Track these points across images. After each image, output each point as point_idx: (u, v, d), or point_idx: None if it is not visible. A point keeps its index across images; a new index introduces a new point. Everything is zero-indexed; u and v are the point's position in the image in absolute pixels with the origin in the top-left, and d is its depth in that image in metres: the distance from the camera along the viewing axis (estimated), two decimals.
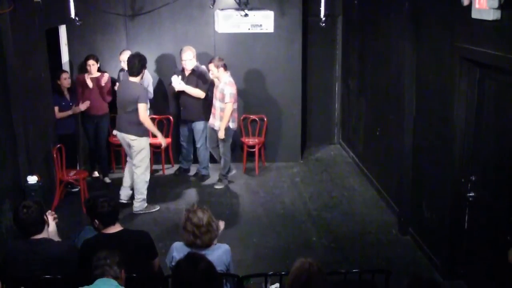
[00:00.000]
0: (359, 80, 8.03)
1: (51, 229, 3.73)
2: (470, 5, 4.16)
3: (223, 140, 7.08)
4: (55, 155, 6.43)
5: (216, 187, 7.34)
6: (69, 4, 6.75)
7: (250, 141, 7.99)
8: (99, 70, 7.32)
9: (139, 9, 7.65)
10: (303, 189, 7.36)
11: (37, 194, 5.46)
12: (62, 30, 7.53)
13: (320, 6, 6.93)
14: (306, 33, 8.49)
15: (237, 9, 7.39)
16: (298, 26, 7.88)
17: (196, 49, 7.73)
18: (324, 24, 7.00)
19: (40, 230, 3.54)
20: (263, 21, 7.47)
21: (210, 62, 6.97)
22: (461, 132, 4.71)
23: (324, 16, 6.94)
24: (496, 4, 3.77)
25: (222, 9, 7.46)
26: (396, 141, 6.18)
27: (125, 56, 6.99)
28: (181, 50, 7.21)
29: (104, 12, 7.56)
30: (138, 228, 5.29)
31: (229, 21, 7.41)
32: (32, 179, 5.57)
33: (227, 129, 7.01)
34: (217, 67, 6.89)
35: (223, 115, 6.93)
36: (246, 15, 7.26)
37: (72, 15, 6.79)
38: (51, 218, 3.77)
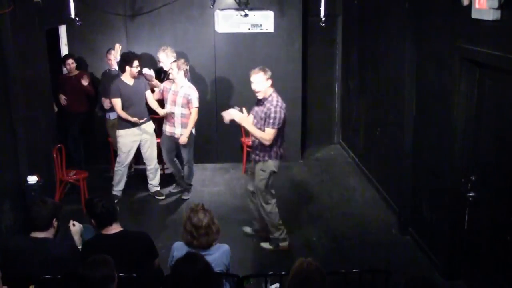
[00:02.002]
0: (359, 80, 8.03)
1: (75, 233, 3.87)
2: (470, 5, 4.16)
3: (186, 146, 6.69)
4: (55, 155, 6.44)
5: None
6: (69, 4, 6.76)
7: (250, 141, 7.95)
8: (77, 68, 7.44)
9: (139, 9, 7.65)
10: (303, 189, 7.35)
11: (37, 194, 5.45)
12: (62, 30, 7.53)
13: (320, 6, 6.95)
14: (306, 33, 8.49)
15: (237, 9, 7.39)
16: (298, 26, 7.88)
17: (196, 49, 7.75)
18: (324, 24, 7.01)
19: (43, 229, 3.55)
20: (263, 21, 7.46)
21: (175, 61, 6.61)
22: (461, 132, 4.70)
23: (324, 16, 6.95)
24: (496, 4, 3.77)
25: (222, 9, 7.46)
26: (396, 141, 6.18)
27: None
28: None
29: (104, 12, 7.57)
30: (138, 228, 5.29)
31: (229, 21, 7.40)
32: (32, 179, 5.56)
33: (190, 134, 6.65)
34: (179, 68, 6.47)
35: (186, 121, 6.55)
36: (246, 15, 7.25)
37: (72, 15, 6.80)
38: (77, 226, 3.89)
